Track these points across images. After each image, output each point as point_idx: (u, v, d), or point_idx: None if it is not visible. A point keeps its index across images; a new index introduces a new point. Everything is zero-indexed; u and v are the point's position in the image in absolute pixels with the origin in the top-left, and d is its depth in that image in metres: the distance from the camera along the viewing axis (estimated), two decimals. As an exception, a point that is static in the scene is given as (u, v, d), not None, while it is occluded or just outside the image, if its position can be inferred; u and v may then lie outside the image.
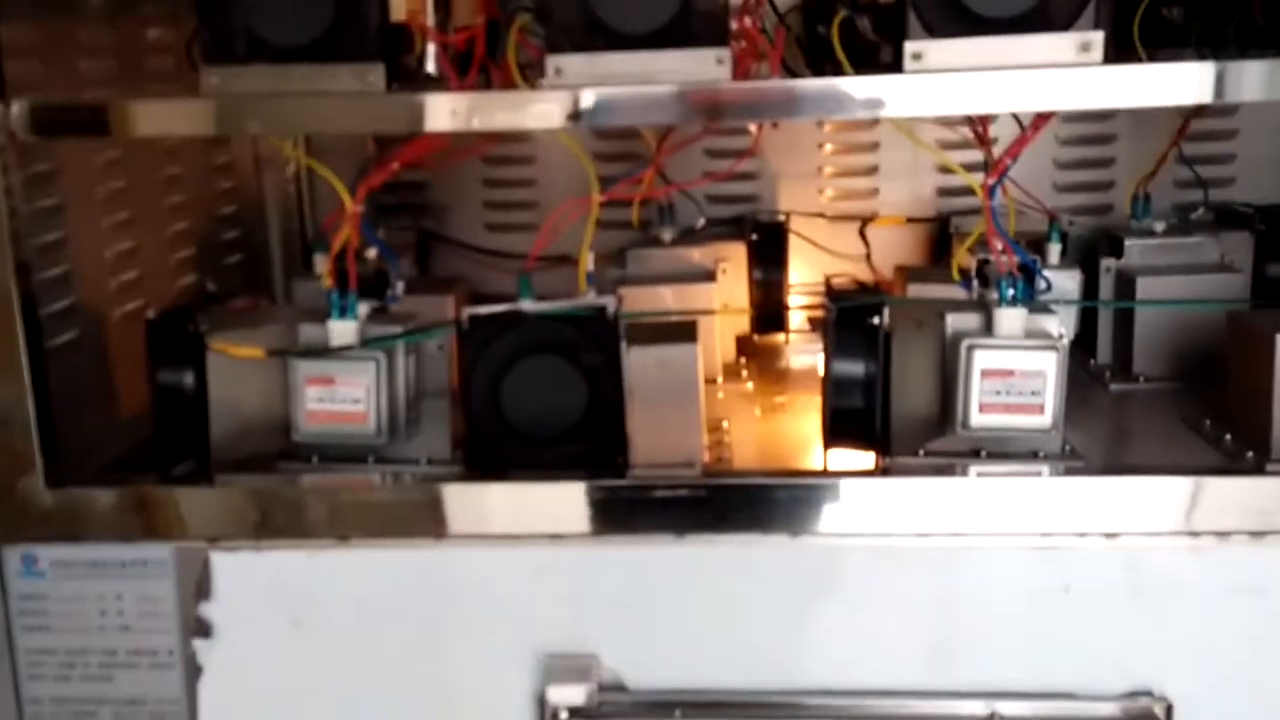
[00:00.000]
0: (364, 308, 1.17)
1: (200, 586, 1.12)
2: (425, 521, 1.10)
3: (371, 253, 1.27)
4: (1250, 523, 1.04)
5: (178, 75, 1.34)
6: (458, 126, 1.03)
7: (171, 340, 1.18)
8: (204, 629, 1.13)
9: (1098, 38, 0.97)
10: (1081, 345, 1.43)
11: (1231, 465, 1.11)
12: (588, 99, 1.01)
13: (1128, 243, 1.44)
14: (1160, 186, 1.51)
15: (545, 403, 1.14)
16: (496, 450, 1.14)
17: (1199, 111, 1.47)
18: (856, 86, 1.01)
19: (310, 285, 1.35)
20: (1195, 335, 1.36)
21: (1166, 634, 1.06)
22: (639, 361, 1.18)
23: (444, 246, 1.67)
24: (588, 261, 1.21)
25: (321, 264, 1.24)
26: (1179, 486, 1.04)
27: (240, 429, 1.19)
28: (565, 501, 1.10)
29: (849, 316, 1.14)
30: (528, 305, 1.15)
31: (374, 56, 1.05)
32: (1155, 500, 1.05)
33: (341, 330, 1.15)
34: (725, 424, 1.34)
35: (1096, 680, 1.07)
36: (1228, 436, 1.19)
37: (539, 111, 1.02)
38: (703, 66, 1.01)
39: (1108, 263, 1.44)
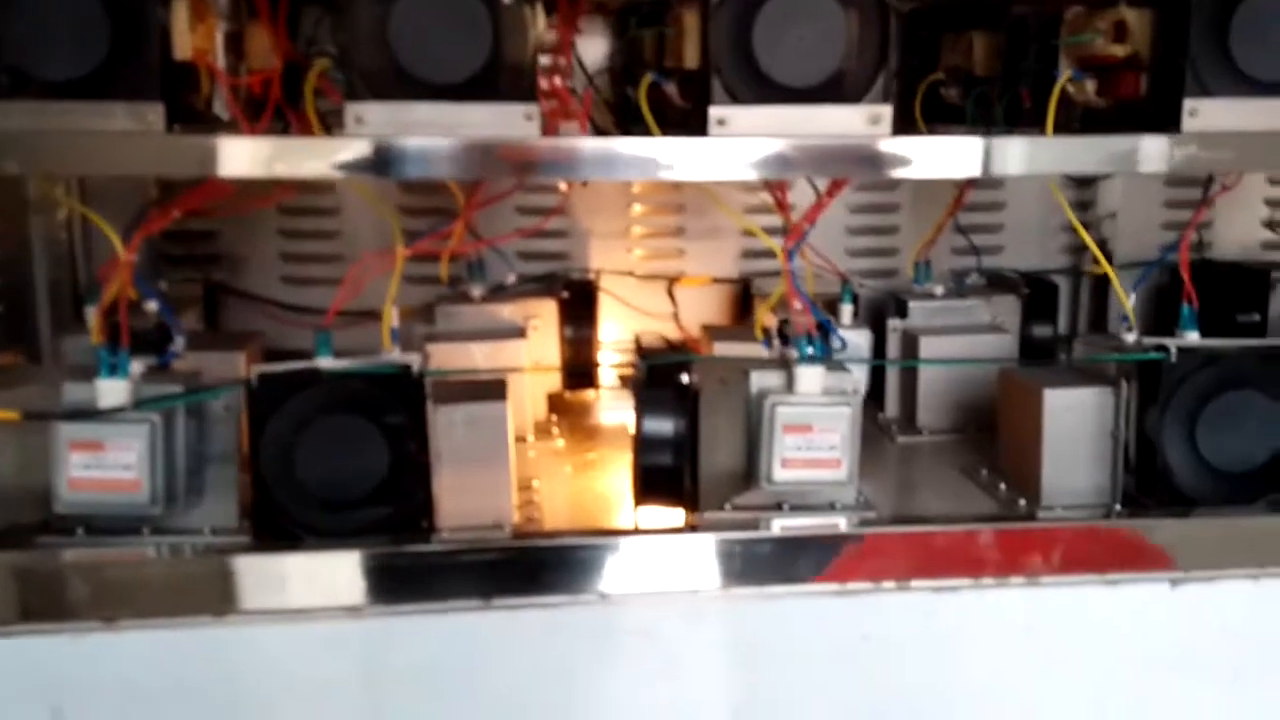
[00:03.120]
0: (138, 365, 1.09)
1: (-54, 677, 1.01)
2: (203, 597, 1.03)
3: (151, 305, 1.19)
4: (1029, 567, 1.11)
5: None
6: (250, 172, 0.98)
7: (-85, 401, 1.07)
8: (-51, 725, 1.01)
9: (887, 111, 1.04)
10: (871, 400, 1.50)
11: (1007, 513, 1.18)
12: (391, 148, 0.99)
13: (911, 304, 1.53)
14: (938, 253, 1.61)
15: (344, 465, 1.09)
16: (290, 517, 1.08)
17: (972, 183, 1.59)
18: (662, 148, 1.03)
19: (81, 341, 1.25)
20: (972, 391, 1.46)
21: (954, 676, 1.12)
22: (446, 420, 1.15)
23: (236, 301, 1.58)
24: (392, 317, 1.17)
25: (92, 317, 1.15)
26: (961, 538, 1.11)
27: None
28: (363, 570, 1.05)
29: (658, 374, 1.15)
30: (325, 362, 1.10)
31: (154, 95, 0.99)
32: (943, 552, 1.10)
33: (111, 390, 1.06)
34: (536, 483, 1.32)
35: (894, 725, 1.11)
36: (1002, 486, 1.27)
37: (339, 160, 0.99)
38: (511, 120, 1.01)
39: (894, 323, 1.53)
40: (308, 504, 1.08)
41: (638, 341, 1.28)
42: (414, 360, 1.11)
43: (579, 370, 1.55)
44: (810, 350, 1.16)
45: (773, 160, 1.03)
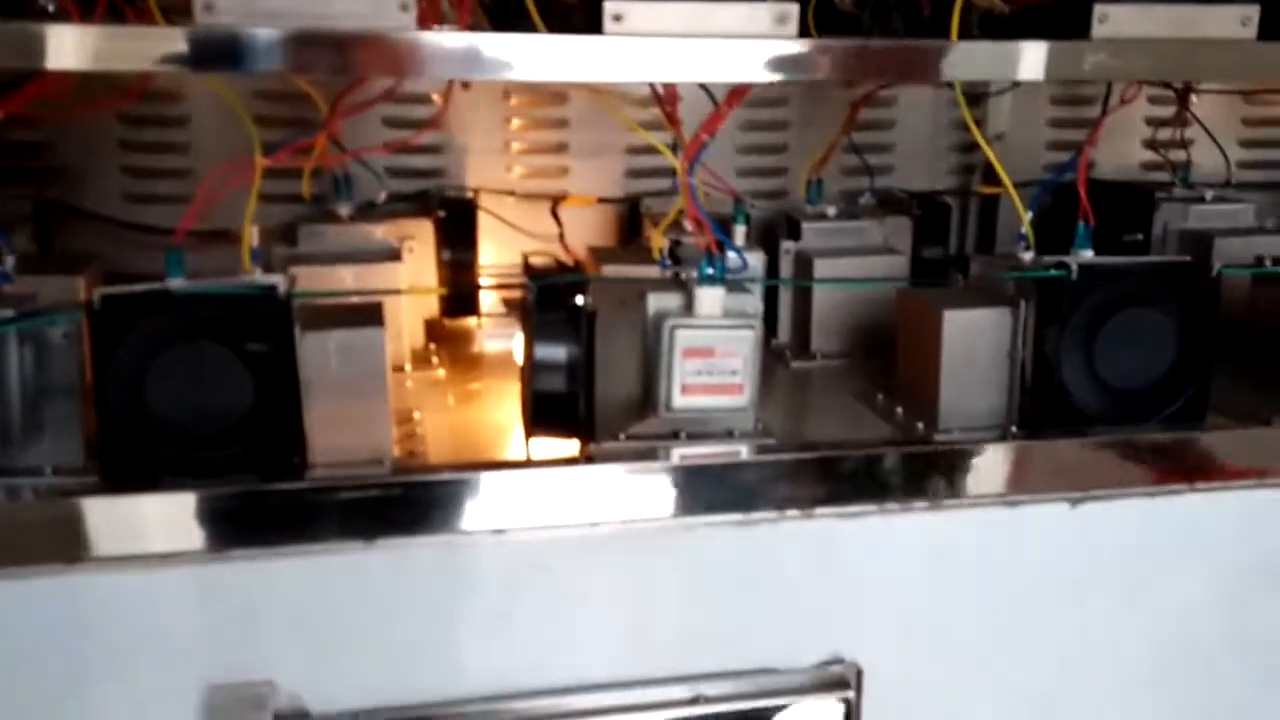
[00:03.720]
0: (-40, 289, 0.95)
1: None
2: (52, 544, 0.92)
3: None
4: (931, 491, 1.09)
5: None
6: (81, 64, 0.85)
7: None
8: None
9: (793, 10, 0.97)
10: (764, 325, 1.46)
11: (905, 438, 1.16)
12: (242, 39, 0.87)
13: (804, 225, 1.49)
14: (830, 173, 1.57)
15: (201, 398, 0.98)
16: (142, 456, 0.97)
17: (866, 99, 1.54)
18: (555, 45, 0.94)
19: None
20: (866, 313, 1.43)
21: (856, 603, 1.10)
22: (316, 348, 1.05)
23: (73, 220, 1.42)
24: (252, 236, 1.05)
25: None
26: (862, 462, 1.08)
27: None
28: (230, 511, 0.96)
29: (551, 296, 1.07)
30: (177, 284, 0.99)
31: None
32: (845, 477, 1.07)
33: (-69, 316, 0.93)
34: (416, 415, 1.23)
35: (795, 653, 1.09)
36: (899, 410, 1.24)
37: (181, 50, 0.87)
38: (383, 9, 0.90)
39: (787, 245, 1.48)
40: (162, 441, 0.97)
41: (526, 262, 1.19)
42: (279, 281, 1.01)
43: (459, 295, 1.46)
44: (711, 271, 1.10)
45: (673, 61, 0.96)
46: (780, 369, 1.44)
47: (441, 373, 1.38)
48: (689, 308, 1.10)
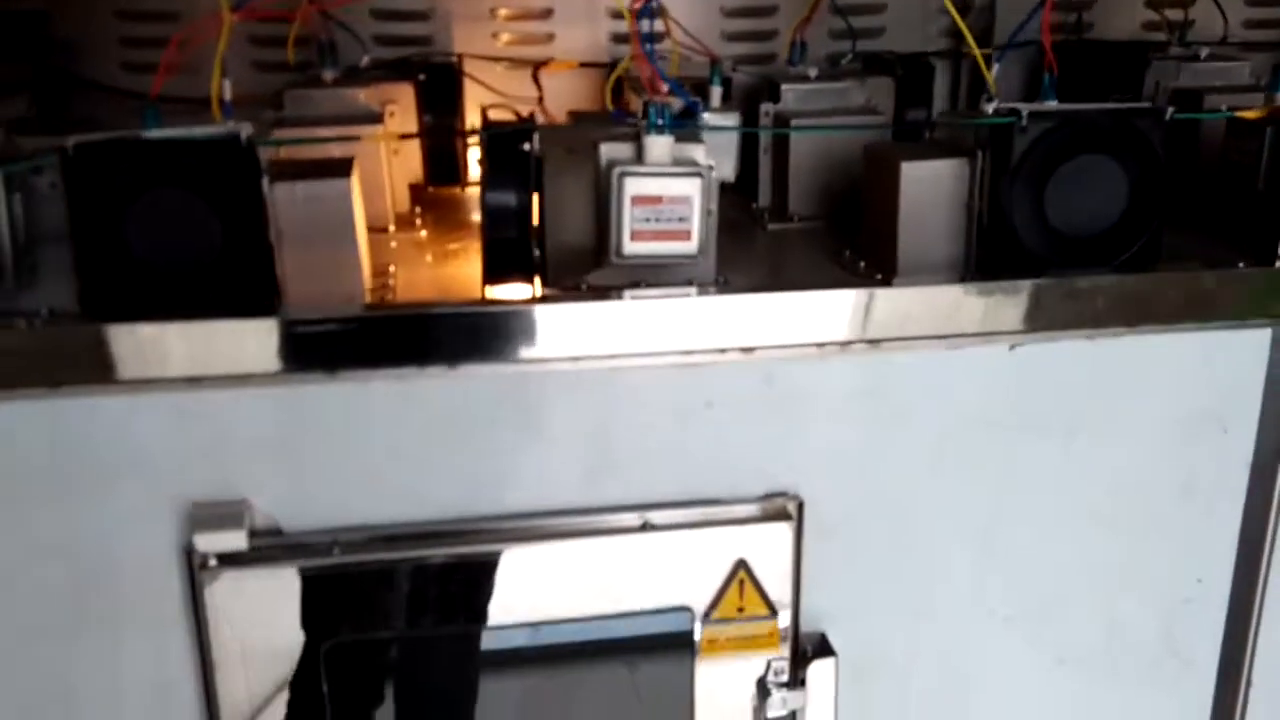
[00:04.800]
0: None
1: None
2: (37, 369, 1.00)
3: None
4: (871, 331, 1.13)
5: None
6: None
7: None
8: None
9: None
10: (742, 190, 1.49)
11: (852, 281, 1.19)
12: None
13: (784, 88, 1.49)
14: (818, 37, 1.57)
15: (175, 243, 1.04)
16: (118, 295, 1.04)
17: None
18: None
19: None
20: (844, 176, 1.44)
21: (798, 439, 1.15)
22: (286, 198, 1.11)
23: (73, 89, 1.49)
24: (223, 88, 1.11)
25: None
26: (804, 301, 1.11)
27: None
28: (206, 342, 1.03)
29: (501, 145, 1.11)
30: (147, 133, 1.05)
31: None
32: (785, 315, 1.11)
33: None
34: (392, 269, 1.29)
35: (738, 486, 1.14)
36: (862, 264, 1.27)
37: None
38: None
39: (766, 107, 1.49)
40: (137, 282, 1.04)
41: (484, 115, 1.23)
42: (244, 129, 1.06)
43: (444, 162, 1.51)
44: (660, 121, 1.13)
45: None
46: (757, 232, 1.47)
47: (424, 234, 1.44)
48: (640, 157, 1.14)
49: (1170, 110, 1.17)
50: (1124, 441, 1.21)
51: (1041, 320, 1.14)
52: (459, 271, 1.33)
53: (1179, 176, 1.28)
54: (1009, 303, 1.14)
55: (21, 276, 1.09)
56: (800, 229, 1.46)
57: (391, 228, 1.43)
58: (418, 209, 1.50)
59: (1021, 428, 1.19)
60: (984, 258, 1.20)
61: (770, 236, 1.46)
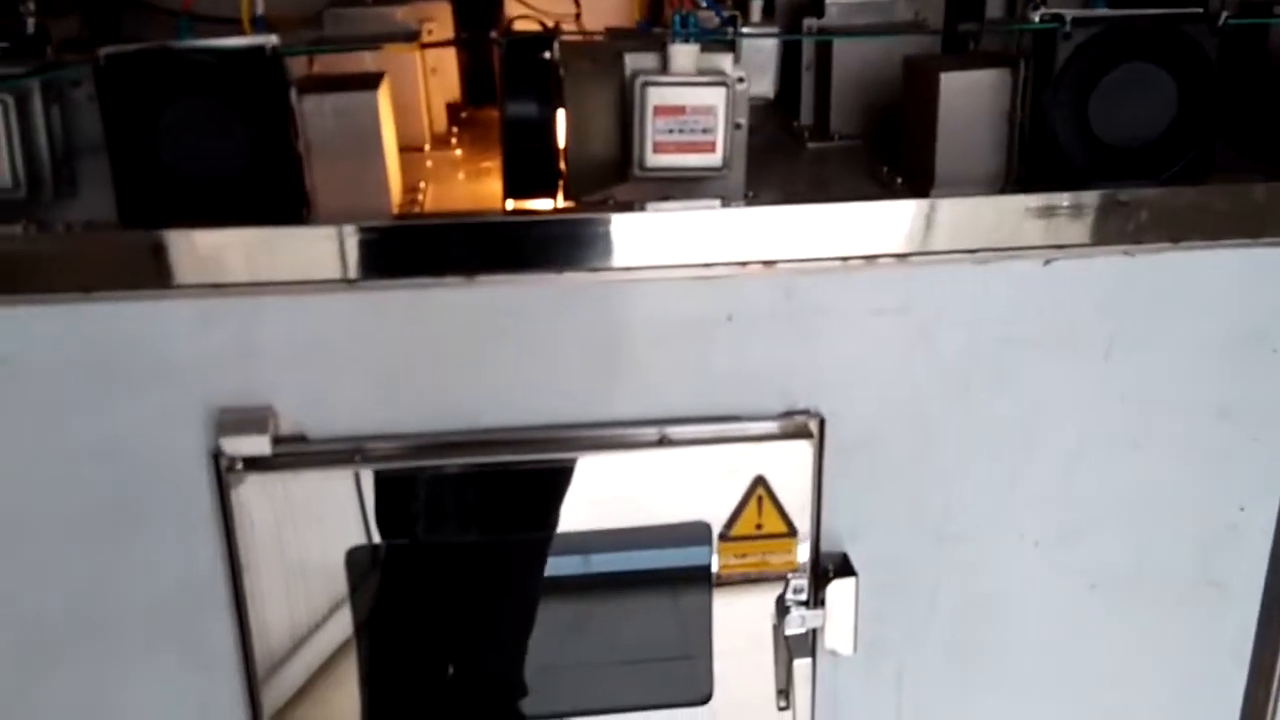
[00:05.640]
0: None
1: None
2: (69, 275, 1.03)
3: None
4: (897, 245, 1.10)
5: None
6: None
7: None
8: None
9: None
10: (784, 107, 1.45)
11: (882, 193, 1.16)
12: None
13: (828, 2, 1.45)
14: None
15: (203, 151, 1.06)
16: (151, 204, 1.07)
17: None
18: None
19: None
20: (887, 93, 1.40)
21: (820, 356, 1.13)
22: (314, 110, 1.12)
23: (129, 10, 1.51)
24: (255, 2, 1.12)
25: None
26: (828, 213, 1.09)
27: None
28: (233, 249, 1.05)
29: (520, 53, 1.10)
30: (175, 44, 1.06)
31: None
32: (808, 228, 1.09)
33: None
34: (423, 184, 1.30)
35: (758, 402, 1.13)
36: (899, 180, 1.24)
37: None
38: None
39: (810, 22, 1.45)
40: (169, 190, 1.07)
41: (508, 26, 1.22)
42: (269, 40, 1.07)
43: (481, 82, 1.50)
44: (685, 29, 1.11)
45: None
46: (797, 150, 1.44)
47: (458, 153, 1.44)
48: (664, 68, 1.12)
49: (1225, 16, 1.10)
50: (1163, 361, 1.16)
51: (1079, 234, 1.10)
52: (490, 190, 1.33)
53: (1238, 87, 1.21)
54: (1045, 215, 1.09)
55: (61, 187, 1.11)
56: (841, 147, 1.43)
57: (427, 147, 1.44)
58: (454, 129, 1.51)
59: (1055, 345, 1.15)
60: (1025, 171, 1.16)
61: (810, 155, 1.42)
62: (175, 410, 1.08)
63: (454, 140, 1.47)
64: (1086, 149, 1.13)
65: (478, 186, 1.33)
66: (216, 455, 1.08)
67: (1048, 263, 1.12)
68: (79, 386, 1.07)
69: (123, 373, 1.06)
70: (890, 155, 1.30)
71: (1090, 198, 1.10)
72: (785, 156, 1.40)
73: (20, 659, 1.12)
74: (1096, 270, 1.12)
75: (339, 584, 1.11)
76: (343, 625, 1.12)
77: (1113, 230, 1.10)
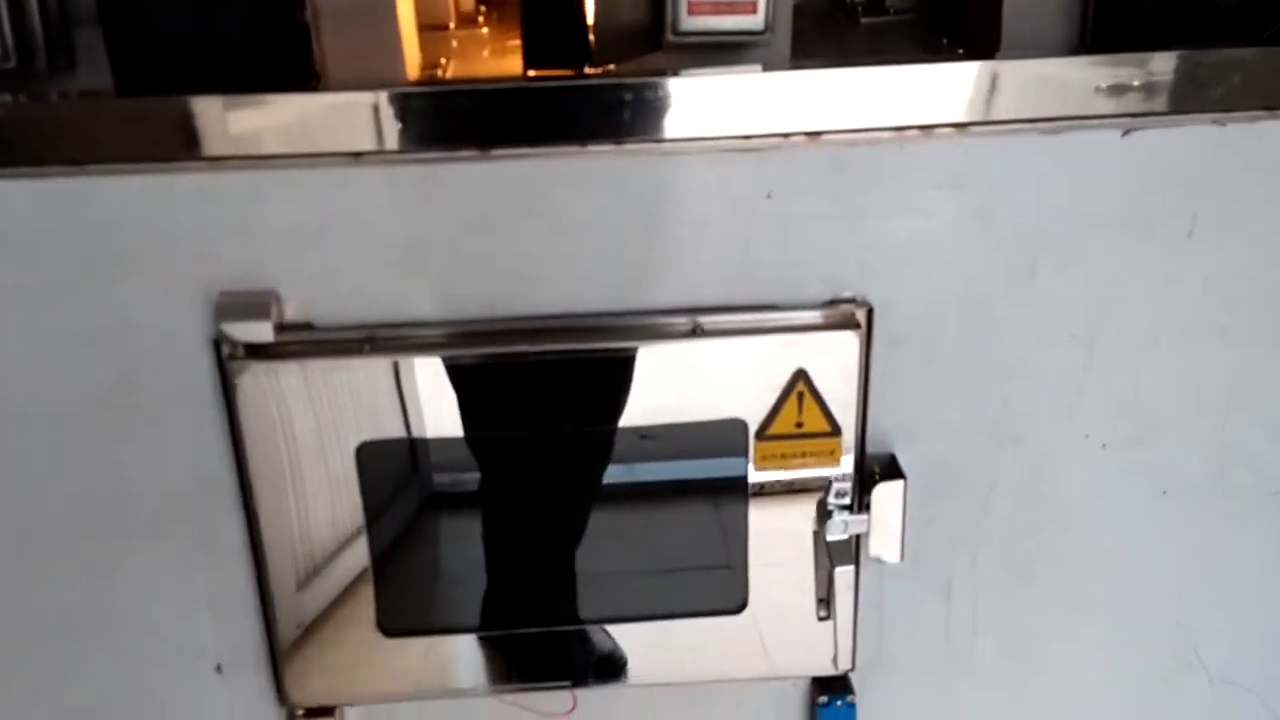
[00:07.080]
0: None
1: None
2: (62, 146, 0.97)
3: None
4: (956, 114, 0.99)
5: None
6: None
7: None
8: None
9: None
10: (837, -19, 1.35)
11: (937, 57, 1.05)
12: None
13: None
14: None
15: (199, 17, 0.99)
16: (145, 72, 1.00)
17: None
18: None
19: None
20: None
21: (869, 237, 1.03)
22: (324, -26, 1.04)
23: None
24: None
25: None
26: (880, 77, 0.98)
27: None
28: (230, 118, 0.98)
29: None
30: (169, -104, 0.98)
31: None
32: (859, 94, 0.98)
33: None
34: (444, 61, 1.22)
35: (800, 289, 1.04)
36: (960, 51, 1.13)
37: None
38: None
39: (868, -117, 1.33)
40: (164, 59, 0.99)
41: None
42: (266, -106, 0.99)
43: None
44: None
45: None
46: (851, 26, 1.33)
47: (484, 31, 1.36)
48: (699, -82, 1.01)
49: None
50: (1254, 242, 1.05)
51: (1161, 101, 0.99)
52: (515, 67, 1.24)
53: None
54: (1123, 80, 0.98)
55: (56, 60, 1.05)
56: (897, 21, 1.32)
57: (452, 25, 1.35)
58: (482, 7, 1.41)
59: (1131, 225, 1.04)
60: (1102, 33, 1.04)
61: (864, 30, 1.31)
62: (175, 293, 1.02)
63: (480, 19, 1.38)
64: (1170, 7, 1.01)
65: (501, 64, 1.25)
66: (218, 342, 1.02)
67: (1126, 133, 1.00)
68: (74, 265, 1.01)
69: (120, 252, 1.00)
70: (951, 29, 1.19)
71: (1173, 61, 0.98)
72: (836, 31, 1.30)
73: (26, 550, 1.08)
74: (1180, 142, 1.01)
75: (350, 479, 1.05)
76: (354, 519, 1.06)
77: (1199, 98, 0.99)
